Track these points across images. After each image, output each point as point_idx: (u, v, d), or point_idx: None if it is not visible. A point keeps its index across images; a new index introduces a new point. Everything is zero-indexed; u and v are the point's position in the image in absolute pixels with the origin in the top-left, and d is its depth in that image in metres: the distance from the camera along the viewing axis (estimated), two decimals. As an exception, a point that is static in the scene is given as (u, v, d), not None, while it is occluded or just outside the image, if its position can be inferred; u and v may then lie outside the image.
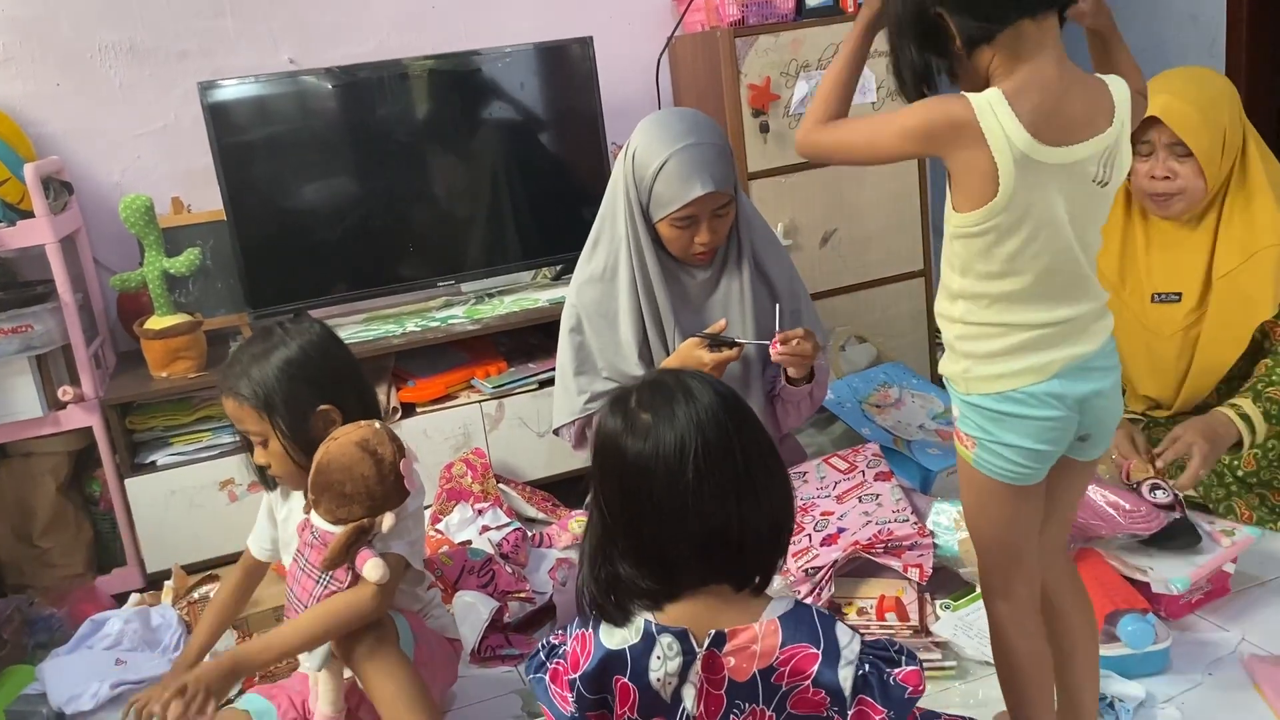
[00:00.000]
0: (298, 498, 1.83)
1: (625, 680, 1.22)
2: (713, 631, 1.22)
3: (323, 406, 1.75)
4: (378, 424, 1.69)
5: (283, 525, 1.89)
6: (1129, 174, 2.16)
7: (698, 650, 1.21)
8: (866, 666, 1.20)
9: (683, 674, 1.22)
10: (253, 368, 1.75)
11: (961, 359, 1.38)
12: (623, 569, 1.24)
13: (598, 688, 1.24)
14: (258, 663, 1.64)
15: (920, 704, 1.68)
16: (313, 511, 1.67)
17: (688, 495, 1.19)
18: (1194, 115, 2.06)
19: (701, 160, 2.01)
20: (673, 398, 1.23)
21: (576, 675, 1.24)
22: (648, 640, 1.22)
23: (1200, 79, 2.15)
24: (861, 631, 1.87)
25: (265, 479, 1.88)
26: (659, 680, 1.22)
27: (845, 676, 1.19)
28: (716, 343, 2.04)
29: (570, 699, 1.24)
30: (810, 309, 2.27)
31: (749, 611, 1.23)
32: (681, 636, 1.22)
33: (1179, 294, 2.17)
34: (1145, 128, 2.08)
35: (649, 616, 1.23)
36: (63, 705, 1.91)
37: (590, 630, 1.26)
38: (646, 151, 2.06)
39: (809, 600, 1.96)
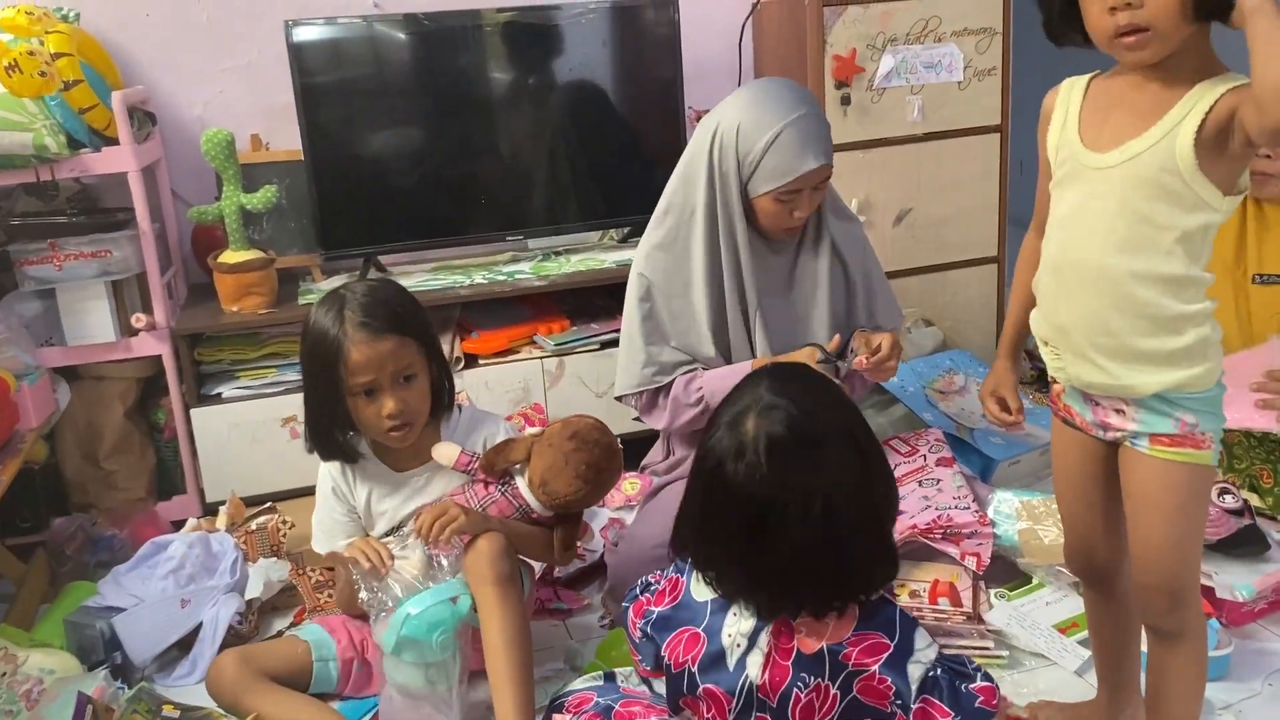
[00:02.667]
0: (378, 473, 1.85)
1: (698, 630, 1.24)
2: None
3: (439, 340, 1.85)
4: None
5: (364, 504, 1.87)
6: None
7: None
8: (939, 671, 1.20)
9: (752, 638, 1.22)
10: (396, 304, 1.76)
11: (1205, 357, 1.33)
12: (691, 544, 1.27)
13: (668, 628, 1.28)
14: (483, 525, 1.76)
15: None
16: (520, 480, 1.81)
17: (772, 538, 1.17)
18: None
19: (814, 132, 1.98)
20: (801, 449, 1.18)
21: (656, 609, 1.29)
22: (727, 598, 1.25)
23: None
24: (916, 613, 1.88)
25: (350, 451, 1.82)
26: (729, 637, 1.22)
27: (914, 675, 1.19)
28: (826, 357, 2.00)
29: (638, 625, 1.30)
30: (883, 286, 2.23)
31: None
32: None
33: None
34: None
35: None
36: (147, 659, 1.97)
37: (685, 577, 1.29)
38: (755, 124, 1.99)
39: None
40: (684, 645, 1.25)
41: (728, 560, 1.22)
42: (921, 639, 1.21)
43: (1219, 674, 1.76)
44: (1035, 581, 2.02)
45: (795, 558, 1.16)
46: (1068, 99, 1.40)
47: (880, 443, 1.27)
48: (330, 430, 1.79)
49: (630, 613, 1.33)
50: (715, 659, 1.23)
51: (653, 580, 1.34)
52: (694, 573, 1.28)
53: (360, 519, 1.87)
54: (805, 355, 2.00)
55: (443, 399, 1.84)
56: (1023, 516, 2.02)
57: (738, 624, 1.23)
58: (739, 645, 1.22)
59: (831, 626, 1.20)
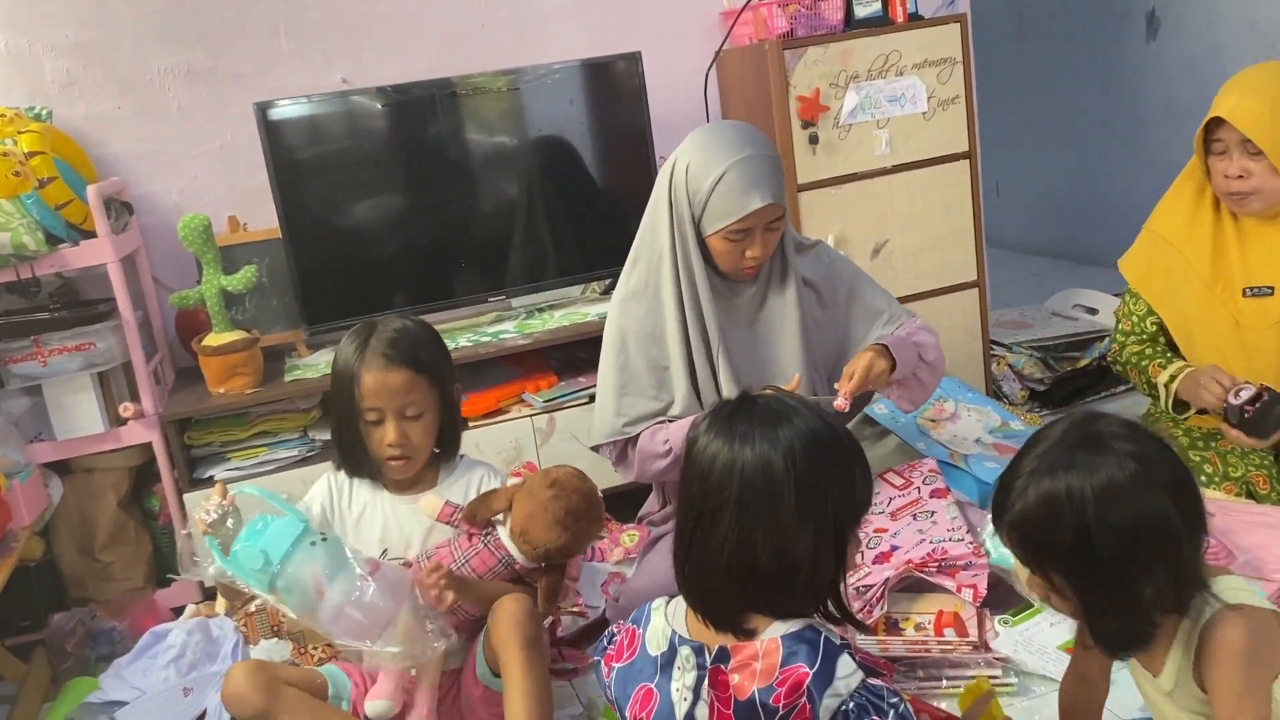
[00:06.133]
0: (375, 492, 1.88)
1: (651, 686, 1.26)
2: (716, 646, 1.22)
3: (457, 384, 1.89)
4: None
5: (356, 520, 1.89)
6: (1208, 173, 2.13)
7: (708, 665, 1.22)
8: (851, 705, 1.18)
9: (697, 689, 1.22)
10: (417, 341, 1.82)
11: None
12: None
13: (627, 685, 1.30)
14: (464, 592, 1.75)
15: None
16: (502, 529, 1.80)
17: (726, 518, 1.19)
18: (1265, 114, 2.03)
19: (759, 172, 2.01)
20: (754, 423, 1.22)
21: (618, 665, 1.31)
22: (672, 651, 1.26)
23: (1273, 74, 2.12)
24: (922, 646, 1.87)
25: (358, 463, 1.87)
26: (677, 691, 1.23)
27: (827, 707, 1.18)
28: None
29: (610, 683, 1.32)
30: (867, 285, 2.25)
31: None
32: (698, 650, 1.23)
33: (1271, 287, 2.15)
34: (1215, 126, 2.08)
35: (678, 627, 1.27)
36: None
37: (641, 629, 1.31)
38: (703, 164, 2.04)
39: (859, 615, 1.94)
40: (640, 702, 1.26)
41: (681, 550, 1.25)
42: (845, 666, 1.19)
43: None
44: (1036, 606, 2.00)
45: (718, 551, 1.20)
46: None
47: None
48: (355, 446, 1.85)
49: (603, 664, 1.35)
50: (667, 716, 1.24)
51: (616, 630, 1.36)
52: (649, 625, 1.30)
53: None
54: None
55: (448, 443, 1.91)
56: (1019, 540, 2.01)
57: (682, 677, 1.23)
58: (685, 699, 1.23)
59: (760, 665, 1.19)
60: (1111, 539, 1.18)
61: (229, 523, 1.64)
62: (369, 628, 1.60)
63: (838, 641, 1.21)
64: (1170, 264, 2.26)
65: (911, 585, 2.01)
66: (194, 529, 1.69)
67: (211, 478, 2.55)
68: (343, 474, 1.90)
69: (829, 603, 1.25)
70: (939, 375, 2.23)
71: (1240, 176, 2.09)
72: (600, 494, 1.86)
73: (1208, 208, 2.23)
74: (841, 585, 1.25)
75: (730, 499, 1.19)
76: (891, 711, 1.19)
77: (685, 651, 1.24)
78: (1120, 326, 2.40)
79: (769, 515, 1.18)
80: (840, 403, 2.02)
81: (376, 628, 1.61)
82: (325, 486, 1.92)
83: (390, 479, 1.89)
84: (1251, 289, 2.16)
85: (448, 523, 1.82)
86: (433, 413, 1.83)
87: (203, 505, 1.68)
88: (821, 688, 1.17)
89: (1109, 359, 2.51)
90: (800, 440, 1.20)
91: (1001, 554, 2.01)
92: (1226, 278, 2.20)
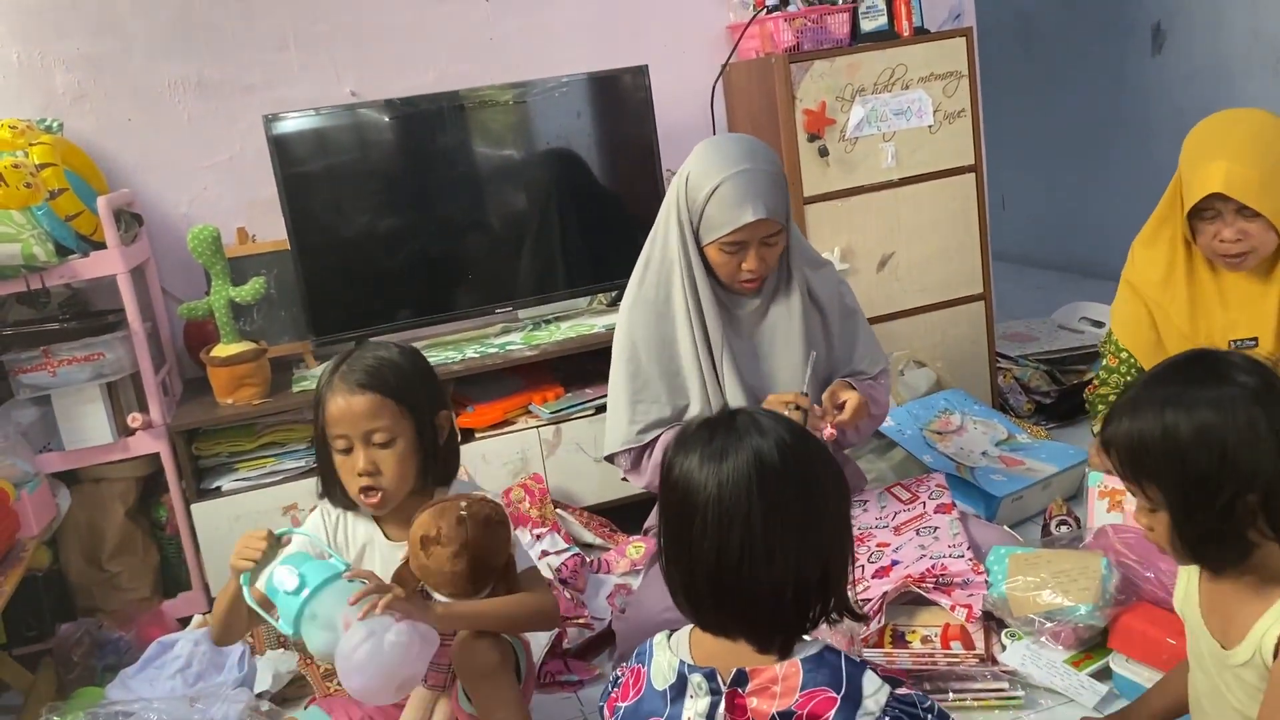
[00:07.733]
0: (371, 532, 1.79)
1: None
2: (735, 669, 1.20)
3: (443, 411, 1.78)
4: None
5: (356, 559, 1.80)
6: (1194, 234, 2.11)
7: (723, 689, 1.20)
8: (888, 718, 1.17)
9: (711, 715, 1.21)
10: (387, 367, 1.71)
11: None
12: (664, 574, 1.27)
13: None
14: (447, 619, 1.62)
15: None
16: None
17: (705, 539, 1.18)
18: (1256, 178, 2.00)
19: (754, 186, 2.01)
20: (727, 439, 1.21)
21: (623, 704, 1.27)
22: (681, 681, 1.23)
23: (1256, 132, 2.06)
24: (928, 659, 1.87)
25: (339, 494, 1.76)
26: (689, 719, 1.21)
27: None
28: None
29: None
30: (863, 328, 2.25)
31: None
32: (710, 675, 1.21)
33: (1255, 339, 2.13)
34: (1209, 197, 2.03)
35: (685, 656, 1.24)
36: None
37: (645, 666, 1.28)
38: (700, 175, 2.06)
39: (860, 629, 1.93)
40: None
41: (675, 560, 1.23)
42: (871, 683, 1.18)
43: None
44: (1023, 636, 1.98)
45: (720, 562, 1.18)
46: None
47: (848, 492, 1.27)
48: (330, 476, 1.75)
49: (606, 710, 1.31)
50: None
51: (620, 674, 1.33)
52: (653, 661, 1.27)
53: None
54: (768, 403, 2.03)
55: (439, 475, 1.79)
56: (1013, 571, 1.99)
57: (695, 705, 1.21)
58: None
59: (780, 687, 1.18)
60: (1203, 450, 1.23)
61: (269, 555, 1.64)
62: (384, 677, 1.52)
63: (858, 660, 1.21)
64: (1151, 319, 2.24)
65: (913, 599, 2.01)
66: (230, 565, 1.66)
67: (219, 488, 2.56)
68: (337, 507, 1.80)
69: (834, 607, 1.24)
70: (870, 432, 2.27)
71: (1239, 239, 2.05)
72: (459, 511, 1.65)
73: (1182, 259, 2.19)
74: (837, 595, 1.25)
75: (714, 520, 1.17)
76: (929, 716, 1.19)
77: (696, 679, 1.22)
78: (1105, 363, 2.36)
79: (761, 531, 1.17)
80: (830, 432, 2.03)
81: (392, 679, 1.52)
82: (319, 519, 1.82)
83: (384, 523, 1.79)
84: (1235, 342, 2.14)
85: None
86: (406, 441, 1.70)
87: (249, 541, 1.65)
88: (852, 711, 1.16)
89: (1086, 396, 2.45)
90: (778, 454, 1.20)
91: (996, 586, 1.99)
92: (1207, 330, 2.17)
